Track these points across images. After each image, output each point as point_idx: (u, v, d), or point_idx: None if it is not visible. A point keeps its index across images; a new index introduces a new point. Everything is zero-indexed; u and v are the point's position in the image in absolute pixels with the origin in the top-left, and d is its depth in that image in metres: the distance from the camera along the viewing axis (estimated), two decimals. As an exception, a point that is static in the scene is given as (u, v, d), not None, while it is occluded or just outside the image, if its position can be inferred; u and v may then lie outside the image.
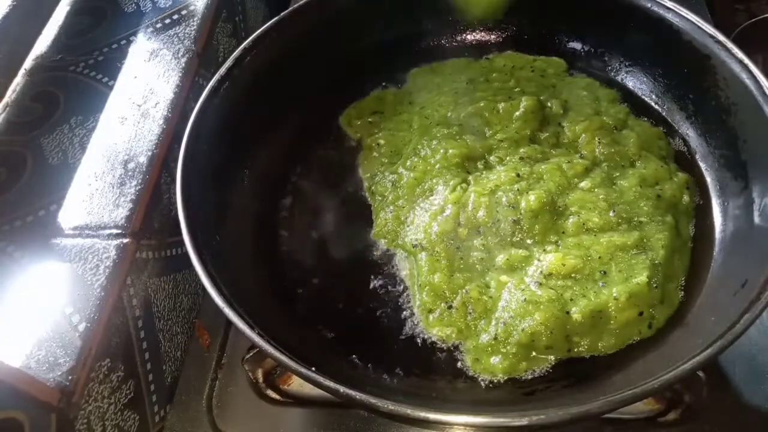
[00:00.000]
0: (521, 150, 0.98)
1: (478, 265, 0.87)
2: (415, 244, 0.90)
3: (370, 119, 1.11)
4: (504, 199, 0.89)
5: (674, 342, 0.79)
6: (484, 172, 0.97)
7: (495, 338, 0.81)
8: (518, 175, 0.92)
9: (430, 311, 0.86)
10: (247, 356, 0.89)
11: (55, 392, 0.70)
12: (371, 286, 0.91)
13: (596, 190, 0.91)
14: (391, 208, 0.96)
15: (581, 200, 0.90)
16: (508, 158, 0.97)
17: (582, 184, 0.92)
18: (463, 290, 0.85)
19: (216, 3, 1.14)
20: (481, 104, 1.06)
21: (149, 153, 0.92)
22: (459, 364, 0.82)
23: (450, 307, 0.85)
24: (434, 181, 0.97)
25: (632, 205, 0.90)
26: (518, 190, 0.90)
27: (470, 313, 0.84)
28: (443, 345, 0.84)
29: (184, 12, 1.11)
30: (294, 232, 0.99)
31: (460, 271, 0.87)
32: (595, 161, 0.96)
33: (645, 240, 0.86)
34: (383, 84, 1.16)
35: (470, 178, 0.95)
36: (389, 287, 0.90)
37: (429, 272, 0.87)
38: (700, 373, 0.82)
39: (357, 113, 1.12)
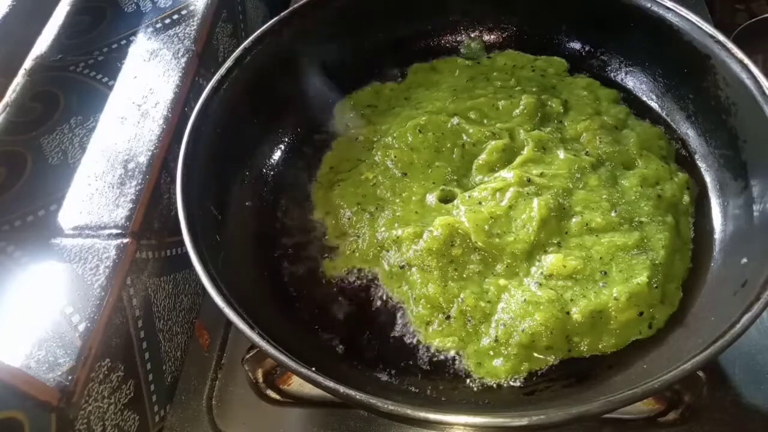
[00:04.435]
0: (533, 132, 0.98)
1: (475, 276, 0.87)
2: (402, 266, 0.89)
3: (362, 112, 1.11)
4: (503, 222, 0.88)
5: (674, 342, 0.79)
6: (470, 178, 0.98)
7: (496, 340, 0.81)
8: (529, 180, 0.91)
9: (428, 323, 0.85)
10: (247, 356, 0.89)
11: (55, 392, 0.70)
12: (369, 296, 0.91)
13: (600, 189, 0.91)
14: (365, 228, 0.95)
15: (585, 200, 0.90)
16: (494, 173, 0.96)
17: (587, 182, 0.92)
18: (459, 298, 0.84)
19: (216, 3, 1.14)
20: (481, 100, 1.06)
21: (149, 153, 0.92)
22: (460, 368, 0.82)
23: (448, 318, 0.84)
24: (413, 188, 0.96)
25: (633, 205, 0.90)
26: (514, 206, 0.89)
27: (469, 320, 0.84)
28: (444, 352, 0.84)
29: (184, 12, 1.11)
30: (294, 233, 0.99)
31: (454, 281, 0.86)
32: (598, 159, 0.96)
33: (645, 240, 0.86)
34: (382, 78, 1.16)
35: (457, 191, 0.94)
36: (386, 299, 0.90)
37: (422, 284, 0.86)
38: (700, 373, 0.82)
39: (352, 104, 1.12)
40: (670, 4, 0.97)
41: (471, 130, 1.00)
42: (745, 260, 0.80)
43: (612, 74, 1.11)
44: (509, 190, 0.90)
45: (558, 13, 1.13)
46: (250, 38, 0.99)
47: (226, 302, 0.72)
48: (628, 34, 1.05)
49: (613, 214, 0.88)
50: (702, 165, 0.98)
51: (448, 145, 1.00)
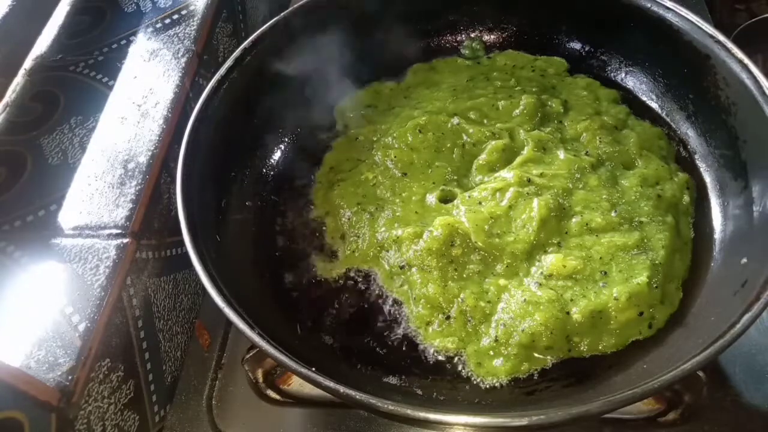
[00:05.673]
0: (533, 132, 0.98)
1: (475, 276, 0.87)
2: (402, 266, 0.89)
3: (362, 112, 1.11)
4: (502, 222, 0.88)
5: (674, 342, 0.79)
6: (470, 178, 0.98)
7: (496, 340, 0.81)
8: (529, 180, 0.91)
9: (428, 323, 0.85)
10: (247, 356, 0.89)
11: (55, 392, 0.70)
12: (369, 296, 0.91)
13: (600, 189, 0.91)
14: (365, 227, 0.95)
15: (585, 200, 0.90)
16: (494, 173, 0.96)
17: (587, 182, 0.92)
18: (459, 299, 0.84)
19: (216, 3, 1.14)
20: (481, 100, 1.06)
21: (149, 153, 0.92)
22: (460, 367, 0.82)
23: (448, 318, 0.84)
24: (413, 188, 0.96)
25: (633, 205, 0.90)
26: (514, 206, 0.89)
27: (469, 321, 0.84)
28: (444, 352, 0.84)
29: (184, 12, 1.11)
30: (294, 233, 0.99)
31: (454, 281, 0.86)
32: (598, 159, 0.96)
33: (645, 240, 0.86)
34: (382, 78, 1.16)
35: (457, 192, 0.94)
36: (386, 299, 0.90)
37: (422, 284, 0.86)
38: (700, 373, 0.82)
39: (352, 105, 1.12)
40: (670, 4, 0.97)
41: (471, 130, 1.00)
42: (745, 260, 0.80)
43: (612, 74, 1.11)
44: (509, 190, 0.90)
45: (558, 13, 1.13)
46: (250, 38, 0.99)
47: (226, 302, 0.72)
48: (628, 34, 1.05)
49: (613, 214, 0.88)
50: (702, 165, 0.98)
51: (448, 145, 1.00)
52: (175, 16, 1.11)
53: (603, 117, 1.02)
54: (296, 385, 0.91)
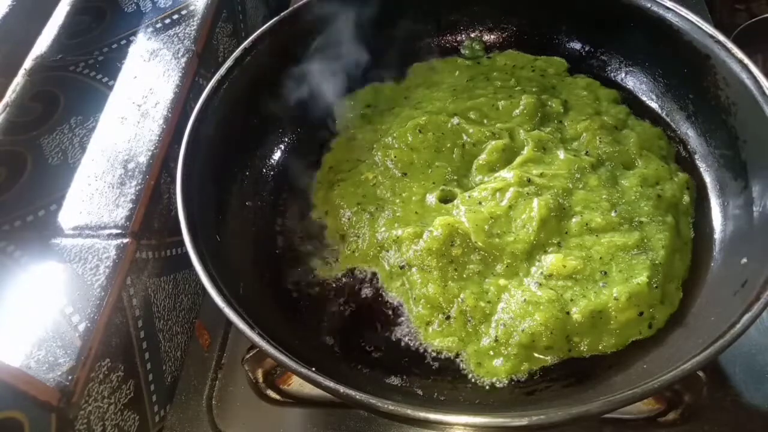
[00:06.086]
0: (533, 132, 0.98)
1: (475, 276, 0.87)
2: (402, 266, 0.89)
3: (362, 112, 1.11)
4: (502, 222, 0.88)
5: (674, 342, 0.79)
6: (470, 178, 0.98)
7: (496, 340, 0.81)
8: (529, 180, 0.91)
9: (428, 323, 0.85)
10: (247, 356, 0.89)
11: (55, 392, 0.70)
12: (369, 296, 0.91)
13: (600, 189, 0.91)
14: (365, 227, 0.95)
15: (585, 200, 0.90)
16: (494, 173, 0.96)
17: (587, 182, 0.92)
18: (459, 299, 0.84)
19: (216, 3, 1.14)
20: (481, 100, 1.06)
21: (149, 153, 0.92)
22: (460, 367, 0.82)
23: (448, 318, 0.84)
24: (413, 188, 0.96)
25: (633, 205, 0.90)
26: (514, 206, 0.89)
27: (469, 321, 0.84)
28: (444, 352, 0.84)
29: (184, 12, 1.11)
30: (294, 233, 0.99)
31: (454, 281, 0.86)
32: (599, 159, 0.96)
33: (645, 240, 0.86)
34: (382, 78, 1.16)
35: (457, 192, 0.94)
36: (386, 299, 0.90)
37: (422, 284, 0.86)
38: (700, 373, 0.82)
39: (352, 104, 1.12)
40: (670, 4, 0.97)
41: (471, 130, 1.00)
42: (745, 260, 0.80)
43: (612, 74, 1.11)
44: (509, 190, 0.90)
45: (558, 13, 1.13)
46: (250, 38, 0.99)
47: (226, 302, 0.72)
48: (628, 34, 1.05)
49: (613, 214, 0.88)
50: (702, 165, 0.98)
51: (448, 145, 1.00)
52: (175, 16, 1.11)
53: (603, 117, 1.02)
54: (296, 385, 0.91)
